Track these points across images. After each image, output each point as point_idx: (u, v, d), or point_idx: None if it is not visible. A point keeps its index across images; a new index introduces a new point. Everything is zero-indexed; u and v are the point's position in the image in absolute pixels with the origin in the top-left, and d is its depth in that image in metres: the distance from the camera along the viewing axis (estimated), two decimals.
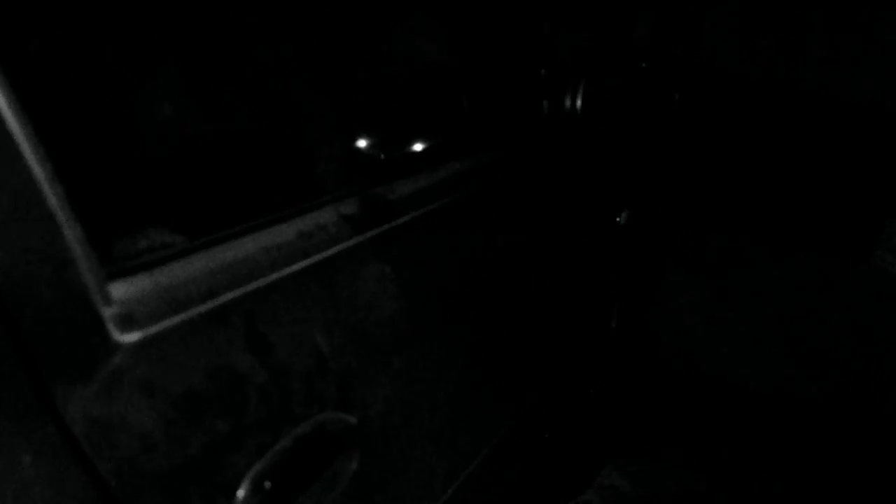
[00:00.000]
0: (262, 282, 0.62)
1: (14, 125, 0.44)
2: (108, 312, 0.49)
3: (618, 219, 1.63)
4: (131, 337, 0.50)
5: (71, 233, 0.47)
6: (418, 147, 1.05)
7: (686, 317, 1.68)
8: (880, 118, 1.31)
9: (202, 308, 0.56)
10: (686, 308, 1.67)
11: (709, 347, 1.67)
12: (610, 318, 1.68)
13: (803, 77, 1.43)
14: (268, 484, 0.57)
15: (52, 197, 0.46)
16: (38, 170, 0.45)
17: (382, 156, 0.94)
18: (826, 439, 1.51)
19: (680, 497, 1.57)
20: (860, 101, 1.34)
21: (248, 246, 0.63)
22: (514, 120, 1.29)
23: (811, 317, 1.58)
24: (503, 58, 1.30)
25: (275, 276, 0.64)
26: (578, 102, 1.29)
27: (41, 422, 0.45)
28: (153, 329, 0.51)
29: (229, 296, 0.59)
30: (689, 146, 1.54)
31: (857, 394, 1.48)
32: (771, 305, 1.58)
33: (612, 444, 1.66)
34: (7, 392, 0.44)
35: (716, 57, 1.60)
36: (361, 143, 0.92)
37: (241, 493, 0.56)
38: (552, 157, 1.33)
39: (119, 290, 0.50)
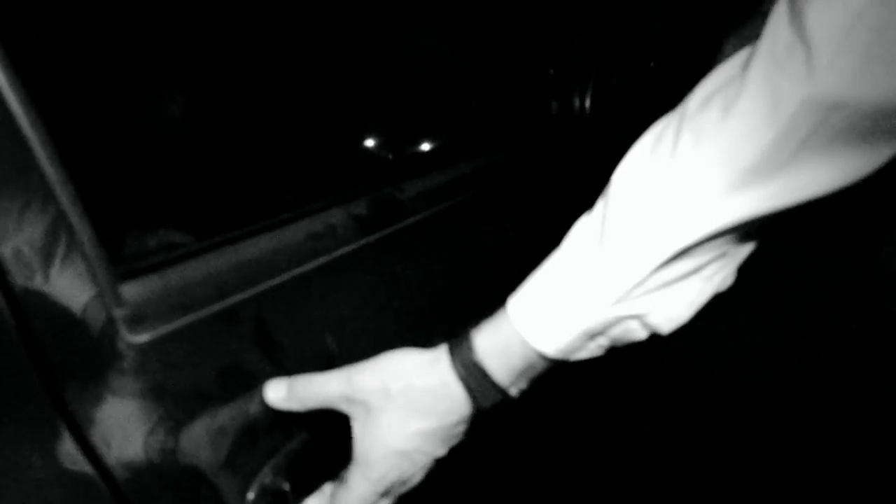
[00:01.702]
0: (271, 283, 0.62)
1: (27, 126, 0.44)
2: (119, 314, 0.49)
3: None
4: (142, 338, 0.50)
5: (83, 234, 0.47)
6: (428, 147, 1.05)
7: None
8: None
9: (212, 309, 0.56)
10: None
11: (715, 346, 1.67)
12: None
13: None
14: (287, 486, 0.57)
15: (64, 198, 0.46)
16: (49, 171, 0.45)
17: (390, 156, 0.94)
18: (833, 439, 1.51)
19: (688, 499, 1.57)
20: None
21: (257, 247, 0.63)
22: (523, 120, 1.29)
23: (816, 317, 1.58)
24: (512, 57, 1.30)
25: (284, 276, 0.64)
26: (587, 102, 1.29)
27: (52, 422, 0.45)
28: (164, 330, 0.51)
29: (239, 297, 0.59)
30: None
31: (862, 394, 1.47)
32: (777, 305, 1.58)
33: (616, 445, 1.66)
34: (17, 393, 0.44)
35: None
36: (370, 144, 0.92)
37: (251, 495, 0.56)
38: (560, 156, 1.33)
39: (130, 291, 0.50)
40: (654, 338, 0.55)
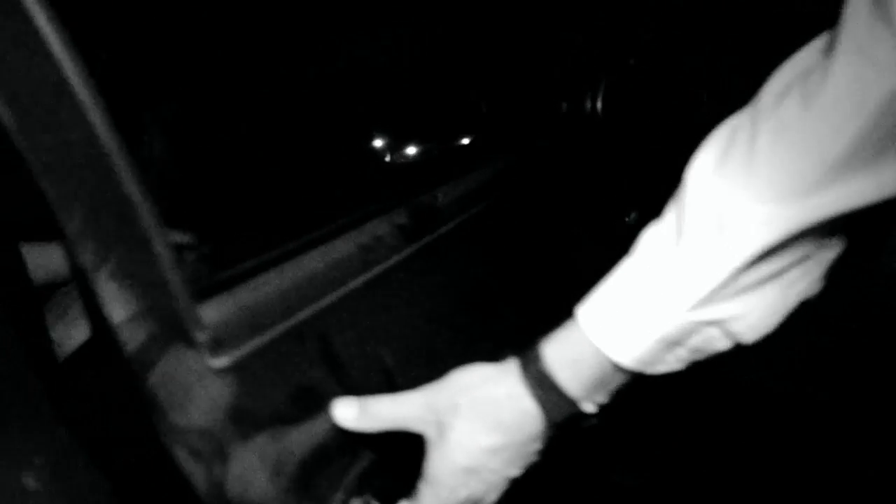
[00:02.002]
0: (331, 298, 0.61)
1: (112, 147, 0.42)
2: (200, 337, 0.47)
3: (626, 219, 1.63)
4: (222, 362, 0.48)
5: (165, 255, 0.45)
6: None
7: None
8: None
9: (281, 328, 0.54)
10: None
11: None
12: None
13: None
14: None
15: (147, 220, 0.44)
16: (135, 193, 0.43)
17: (388, 158, 0.93)
18: (834, 439, 1.53)
19: (688, 498, 1.58)
20: None
21: (315, 261, 0.61)
22: (534, 123, 1.29)
23: (817, 316, 1.59)
24: (521, 61, 1.30)
25: (342, 291, 0.62)
26: (599, 104, 1.29)
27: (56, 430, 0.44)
28: (240, 352, 0.50)
29: (304, 314, 0.57)
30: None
31: (864, 394, 1.50)
32: None
33: (621, 443, 1.67)
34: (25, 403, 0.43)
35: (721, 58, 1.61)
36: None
37: None
38: (570, 158, 1.33)
39: (207, 313, 0.49)
40: (738, 349, 0.54)
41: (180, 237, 0.50)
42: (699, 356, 0.54)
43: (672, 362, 0.54)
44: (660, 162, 1.58)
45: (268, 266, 0.57)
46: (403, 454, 0.59)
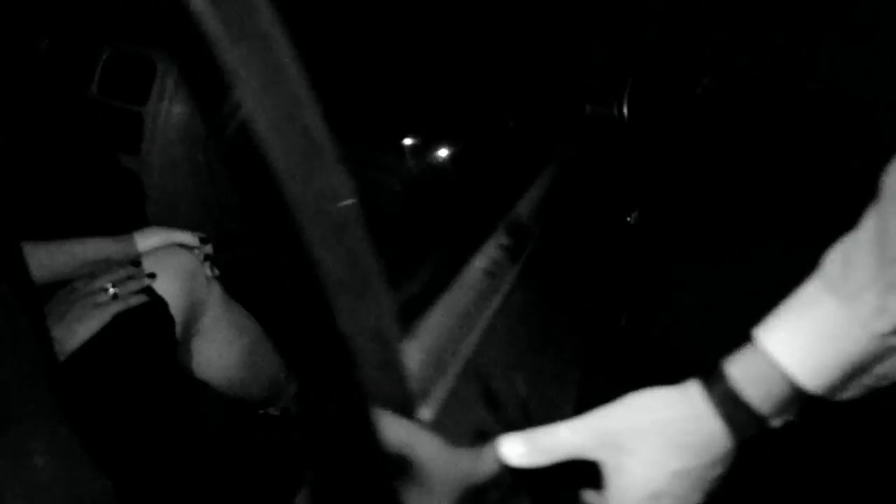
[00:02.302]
0: (480, 328, 0.59)
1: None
2: (413, 388, 0.45)
3: (628, 218, 1.65)
4: (428, 413, 0.46)
5: (387, 306, 0.43)
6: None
7: (692, 314, 1.72)
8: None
9: (455, 368, 0.52)
10: (692, 305, 1.71)
11: (716, 345, 1.71)
12: (619, 316, 1.71)
13: (812, 78, 1.46)
14: None
15: (374, 273, 0.41)
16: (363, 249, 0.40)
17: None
18: (834, 439, 1.58)
19: None
20: (873, 102, 1.38)
21: (459, 293, 0.60)
22: (560, 130, 1.29)
23: None
24: (545, 70, 1.30)
25: (485, 321, 0.61)
26: (625, 108, 1.29)
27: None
28: (437, 398, 0.48)
29: (466, 350, 0.55)
30: (708, 145, 1.56)
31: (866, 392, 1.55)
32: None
33: None
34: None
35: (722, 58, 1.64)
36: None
37: None
38: (593, 162, 1.34)
39: (409, 360, 0.46)
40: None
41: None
42: (882, 384, 0.53)
43: (854, 389, 0.53)
44: (660, 162, 1.60)
45: (430, 302, 0.55)
46: (563, 488, 0.58)
